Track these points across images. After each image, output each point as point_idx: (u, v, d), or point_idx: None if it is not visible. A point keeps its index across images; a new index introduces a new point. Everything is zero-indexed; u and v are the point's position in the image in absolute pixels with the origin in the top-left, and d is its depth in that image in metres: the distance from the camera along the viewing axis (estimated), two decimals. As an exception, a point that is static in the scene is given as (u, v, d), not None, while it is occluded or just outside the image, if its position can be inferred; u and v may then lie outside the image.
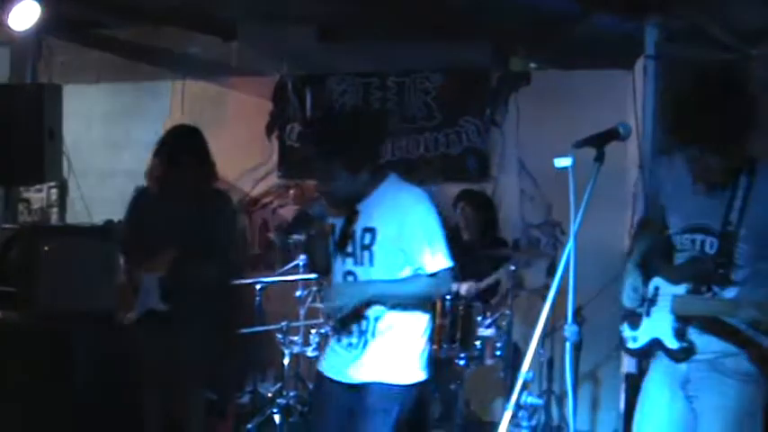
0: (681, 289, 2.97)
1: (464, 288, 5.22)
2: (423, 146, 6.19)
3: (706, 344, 2.94)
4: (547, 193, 5.86)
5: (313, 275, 5.27)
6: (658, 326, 3.02)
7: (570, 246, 2.71)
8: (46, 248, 4.83)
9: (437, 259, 3.25)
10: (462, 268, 4.70)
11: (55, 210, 6.55)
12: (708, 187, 2.96)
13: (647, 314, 3.07)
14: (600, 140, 2.76)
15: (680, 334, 2.96)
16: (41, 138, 5.26)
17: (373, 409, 3.26)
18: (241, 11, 5.96)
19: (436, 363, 4.80)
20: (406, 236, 3.23)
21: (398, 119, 6.19)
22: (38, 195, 6.61)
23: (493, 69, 6.11)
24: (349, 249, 3.33)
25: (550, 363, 5.30)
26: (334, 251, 3.41)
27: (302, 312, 5.56)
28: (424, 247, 3.23)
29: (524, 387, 2.72)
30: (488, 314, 5.19)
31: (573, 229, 2.71)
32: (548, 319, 2.75)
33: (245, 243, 6.32)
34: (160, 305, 4.35)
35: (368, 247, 3.28)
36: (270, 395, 5.64)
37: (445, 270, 3.27)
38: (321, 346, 5.23)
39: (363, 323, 3.30)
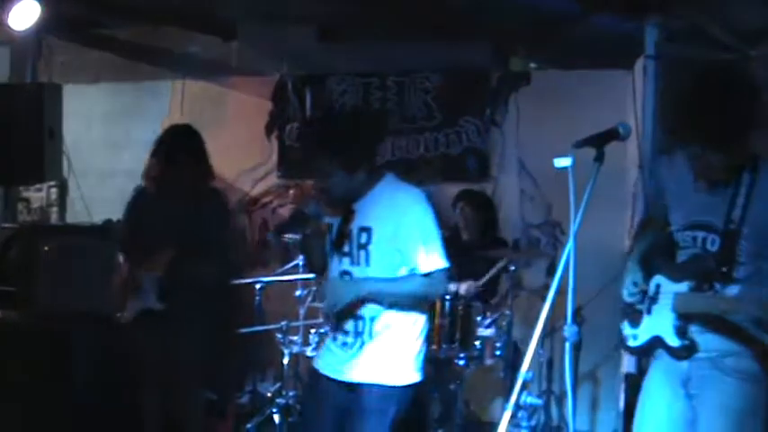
0: (682, 286, 2.96)
1: (463, 287, 5.21)
2: (423, 146, 6.18)
3: (707, 342, 2.93)
4: (547, 193, 5.85)
5: (312, 275, 5.26)
6: (659, 323, 3.01)
7: (570, 246, 2.72)
8: (46, 248, 4.84)
9: (432, 259, 3.24)
10: (461, 268, 4.71)
11: (55, 209, 6.55)
12: (710, 185, 2.95)
13: (648, 312, 3.06)
14: (600, 140, 2.77)
15: (681, 332, 2.95)
16: (41, 137, 5.27)
17: (370, 410, 3.27)
18: (241, 11, 5.96)
19: (436, 363, 4.83)
20: (402, 235, 3.23)
21: (398, 119, 6.18)
22: (38, 195, 6.61)
23: (493, 69, 6.10)
24: (345, 249, 3.33)
25: (550, 363, 5.29)
26: (331, 250, 3.41)
27: (302, 312, 5.55)
28: (419, 247, 3.22)
29: (524, 387, 2.73)
30: (488, 314, 5.17)
31: (573, 229, 2.71)
32: (547, 319, 2.75)
33: (244, 243, 6.32)
34: (157, 304, 4.35)
35: (364, 247, 3.28)
36: (269, 395, 5.62)
37: (440, 270, 3.26)
38: (321, 346, 5.22)
39: (360, 323, 3.30)
